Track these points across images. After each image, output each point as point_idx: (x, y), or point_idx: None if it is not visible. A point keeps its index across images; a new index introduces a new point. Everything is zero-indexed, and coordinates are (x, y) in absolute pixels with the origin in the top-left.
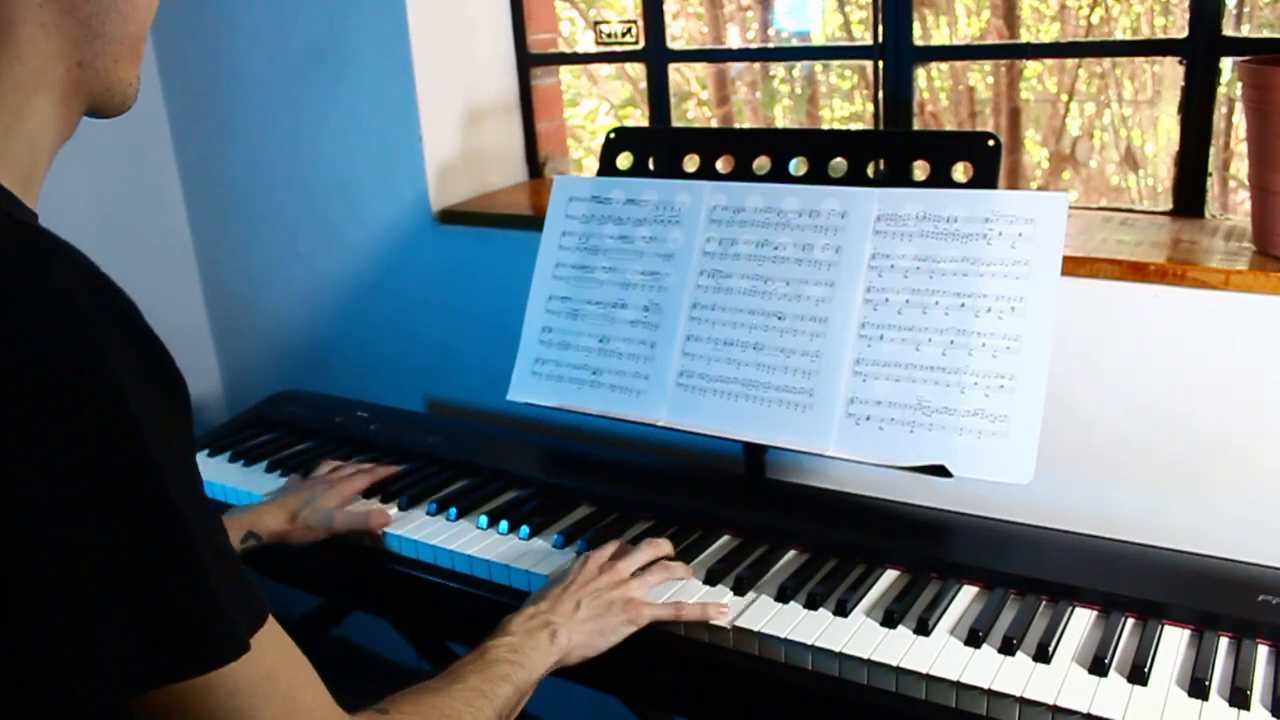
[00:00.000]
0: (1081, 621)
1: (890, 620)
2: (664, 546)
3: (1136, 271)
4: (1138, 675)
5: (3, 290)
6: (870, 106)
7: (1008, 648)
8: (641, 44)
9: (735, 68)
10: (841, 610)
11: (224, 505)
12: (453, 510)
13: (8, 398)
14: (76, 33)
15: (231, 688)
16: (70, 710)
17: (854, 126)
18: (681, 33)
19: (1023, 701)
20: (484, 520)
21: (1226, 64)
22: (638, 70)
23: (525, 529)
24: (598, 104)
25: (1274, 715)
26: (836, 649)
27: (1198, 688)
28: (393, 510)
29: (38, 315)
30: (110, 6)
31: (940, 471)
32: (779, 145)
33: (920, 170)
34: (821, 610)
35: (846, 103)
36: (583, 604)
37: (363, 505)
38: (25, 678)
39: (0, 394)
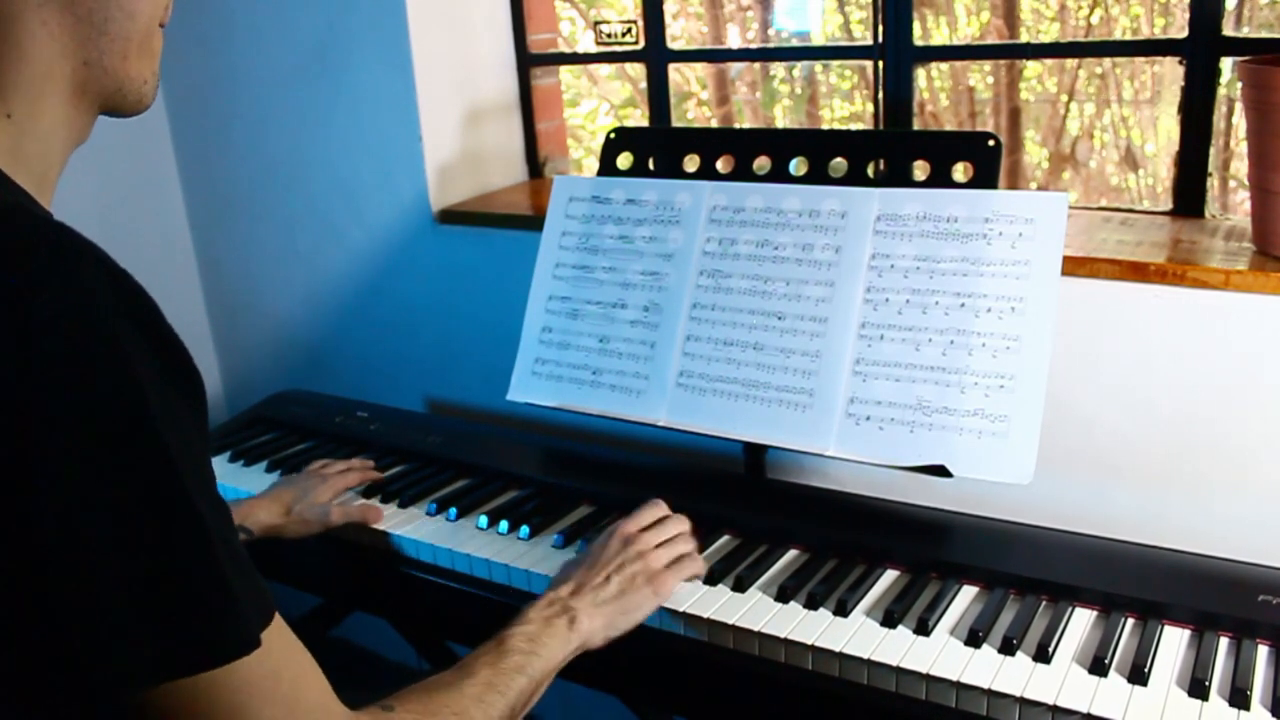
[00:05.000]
0: (1081, 621)
1: (890, 620)
2: (685, 523)
3: (1136, 271)
4: (1138, 675)
5: (29, 285)
6: (870, 106)
7: (1008, 648)
8: (641, 44)
9: (735, 68)
10: (841, 610)
11: None
12: (453, 510)
13: (28, 391)
14: (80, 30)
15: (235, 685)
16: (82, 704)
17: (854, 126)
18: (681, 33)
19: (1023, 702)
20: (484, 520)
21: (1226, 64)
22: (638, 70)
23: (525, 529)
24: (598, 104)
25: (1274, 715)
26: (836, 649)
27: (1198, 688)
28: (392, 509)
29: (62, 311)
30: (111, 2)
31: (940, 471)
32: (779, 145)
33: (920, 170)
34: (821, 610)
35: (846, 103)
36: (612, 580)
37: (358, 501)
38: (40, 671)
39: (21, 387)
